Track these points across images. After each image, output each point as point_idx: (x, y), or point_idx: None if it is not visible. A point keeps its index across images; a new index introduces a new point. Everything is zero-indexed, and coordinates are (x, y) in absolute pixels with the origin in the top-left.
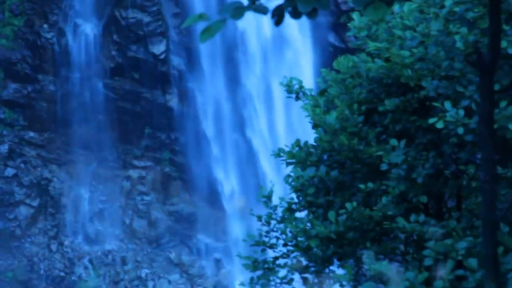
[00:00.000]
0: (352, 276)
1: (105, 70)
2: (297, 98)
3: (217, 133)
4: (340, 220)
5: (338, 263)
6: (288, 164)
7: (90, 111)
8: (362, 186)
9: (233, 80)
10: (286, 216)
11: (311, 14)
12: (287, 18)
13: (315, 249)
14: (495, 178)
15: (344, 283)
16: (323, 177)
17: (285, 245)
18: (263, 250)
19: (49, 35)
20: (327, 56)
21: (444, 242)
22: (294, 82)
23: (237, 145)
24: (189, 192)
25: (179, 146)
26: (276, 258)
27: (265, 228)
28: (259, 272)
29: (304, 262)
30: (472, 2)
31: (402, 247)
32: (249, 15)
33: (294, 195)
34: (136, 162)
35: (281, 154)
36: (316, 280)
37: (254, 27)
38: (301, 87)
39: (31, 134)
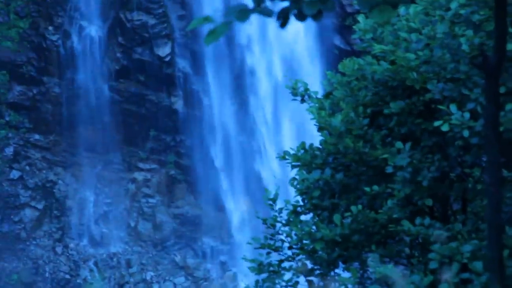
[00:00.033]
0: (357, 279)
1: (110, 73)
2: (303, 100)
3: (223, 137)
4: (345, 223)
5: (343, 266)
6: (293, 166)
7: (95, 114)
8: (367, 189)
9: (239, 82)
10: (291, 219)
11: (316, 17)
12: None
13: (320, 252)
14: (501, 181)
15: (349, 286)
16: (328, 180)
17: (290, 248)
18: (268, 253)
19: (54, 38)
20: (333, 59)
21: (450, 245)
22: (299, 84)
23: (243, 149)
24: (194, 195)
25: (184, 149)
26: (281, 261)
27: (270, 231)
28: (264, 275)
29: (309, 265)
30: (477, 4)
31: (407, 250)
32: (255, 18)
33: (299, 198)
34: (141, 165)
35: (287, 157)
36: (321, 283)
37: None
38: (306, 89)
39: (36, 136)
